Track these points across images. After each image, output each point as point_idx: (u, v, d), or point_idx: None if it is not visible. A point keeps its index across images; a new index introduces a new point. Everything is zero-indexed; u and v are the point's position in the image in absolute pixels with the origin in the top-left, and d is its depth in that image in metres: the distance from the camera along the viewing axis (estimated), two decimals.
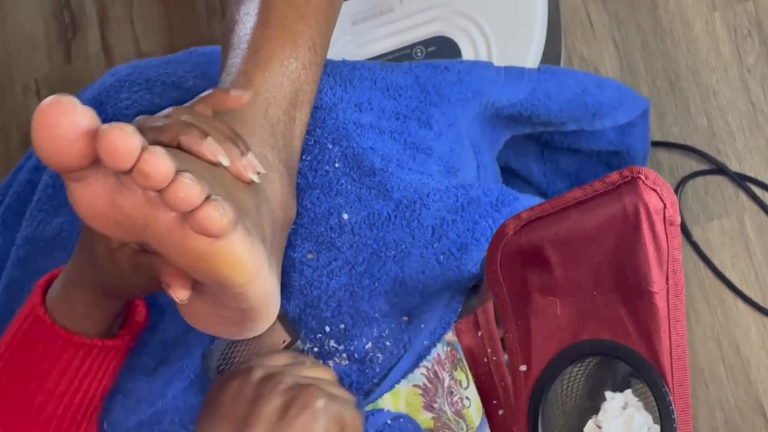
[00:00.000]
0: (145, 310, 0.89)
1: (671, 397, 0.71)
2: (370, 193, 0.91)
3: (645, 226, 0.71)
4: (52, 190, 1.01)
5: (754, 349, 1.34)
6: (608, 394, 0.74)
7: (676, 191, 1.41)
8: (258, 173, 0.73)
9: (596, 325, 0.74)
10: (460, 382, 0.98)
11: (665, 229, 0.71)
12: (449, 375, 0.96)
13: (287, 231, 0.85)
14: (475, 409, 0.99)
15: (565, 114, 1.14)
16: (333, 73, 0.95)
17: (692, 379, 1.36)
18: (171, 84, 1.00)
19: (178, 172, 0.61)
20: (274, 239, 0.78)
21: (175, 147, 0.68)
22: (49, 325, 0.81)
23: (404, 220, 0.91)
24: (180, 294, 0.70)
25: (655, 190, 0.71)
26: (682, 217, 1.34)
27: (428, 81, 0.99)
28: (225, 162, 0.69)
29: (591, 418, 0.75)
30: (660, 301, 0.71)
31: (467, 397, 0.98)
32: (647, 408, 0.73)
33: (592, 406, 0.76)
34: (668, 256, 0.71)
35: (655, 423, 0.73)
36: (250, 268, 0.67)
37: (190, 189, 0.61)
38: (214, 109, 0.76)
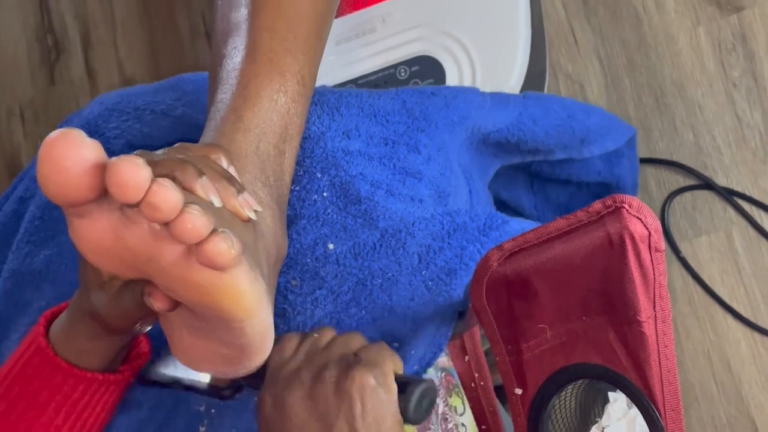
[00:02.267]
0: (148, 346, 0.88)
1: (663, 423, 0.71)
2: (356, 223, 0.91)
3: (631, 255, 0.71)
4: (40, 221, 1.00)
5: (745, 365, 1.34)
6: (611, 394, 0.75)
7: (663, 207, 1.41)
8: (255, 210, 0.72)
9: (587, 349, 0.74)
10: (455, 408, 0.97)
11: (651, 256, 0.71)
12: (443, 401, 0.95)
13: (279, 267, 0.85)
14: None
15: (552, 140, 1.14)
16: (320, 102, 0.95)
17: (684, 396, 1.30)
18: (160, 112, 1.00)
19: (185, 204, 0.60)
20: (270, 276, 0.78)
21: None
22: (51, 356, 0.80)
23: (390, 249, 0.90)
24: (162, 304, 0.69)
25: (639, 218, 0.71)
26: (670, 233, 1.38)
27: (415, 106, 0.99)
28: (216, 203, 0.68)
29: (594, 424, 0.76)
30: (648, 329, 0.71)
31: (463, 424, 0.96)
32: None
33: (595, 413, 0.76)
34: (655, 282, 0.71)
35: None
36: (252, 302, 0.66)
37: (198, 221, 0.60)
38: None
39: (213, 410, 0.90)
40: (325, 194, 0.91)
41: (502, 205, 1.29)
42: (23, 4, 1.83)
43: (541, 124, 1.11)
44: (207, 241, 0.61)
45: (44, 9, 1.82)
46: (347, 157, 0.92)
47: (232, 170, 0.76)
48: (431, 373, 0.94)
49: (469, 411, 0.98)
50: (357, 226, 0.90)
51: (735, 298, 1.37)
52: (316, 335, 0.82)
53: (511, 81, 1.26)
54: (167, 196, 0.59)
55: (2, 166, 1.77)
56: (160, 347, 0.87)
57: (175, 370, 0.85)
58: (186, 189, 0.67)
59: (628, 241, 0.71)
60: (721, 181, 1.40)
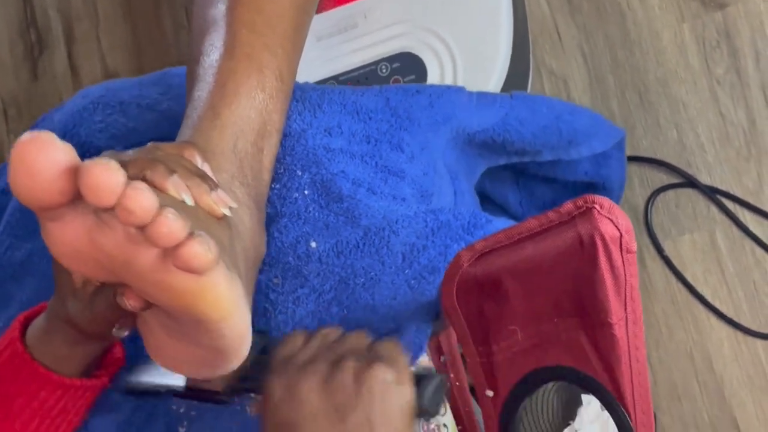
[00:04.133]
0: (121, 352, 0.87)
1: (633, 425, 0.71)
2: (338, 221, 0.90)
3: (602, 257, 0.70)
4: (20, 214, 0.99)
5: (728, 365, 1.34)
6: (584, 397, 0.74)
7: (646, 205, 1.40)
8: (230, 207, 0.71)
9: (559, 351, 0.74)
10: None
11: (622, 257, 0.70)
12: None
13: (257, 268, 0.84)
14: None
15: (539, 141, 1.13)
16: (302, 98, 0.93)
17: (665, 395, 1.35)
18: (145, 107, 0.99)
19: (161, 207, 0.59)
20: (247, 276, 0.77)
21: None
22: (28, 361, 0.79)
23: (373, 248, 0.89)
24: (136, 302, 0.68)
25: (610, 219, 0.70)
26: (653, 232, 1.38)
27: (399, 104, 0.98)
28: (189, 201, 0.67)
29: (567, 427, 0.75)
30: (619, 331, 0.71)
31: (444, 424, 0.96)
32: None
33: (568, 415, 0.76)
34: (626, 284, 0.70)
35: None
36: (230, 305, 0.65)
37: (174, 224, 0.59)
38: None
39: (193, 412, 0.89)
40: (306, 192, 0.90)
41: (486, 201, 1.29)
42: None
43: (528, 125, 1.10)
44: (183, 245, 0.60)
45: (27, 3, 1.81)
46: (329, 154, 0.91)
47: (206, 168, 0.75)
48: None
49: (450, 412, 0.97)
50: (339, 224, 0.90)
51: (718, 297, 1.37)
52: (324, 332, 0.82)
53: (494, 78, 1.25)
54: (142, 199, 0.58)
55: None
56: (136, 354, 0.86)
57: (149, 376, 0.84)
58: (157, 188, 0.66)
59: (599, 242, 0.70)
60: (704, 179, 1.40)
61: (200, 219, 0.68)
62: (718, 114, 1.40)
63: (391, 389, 0.74)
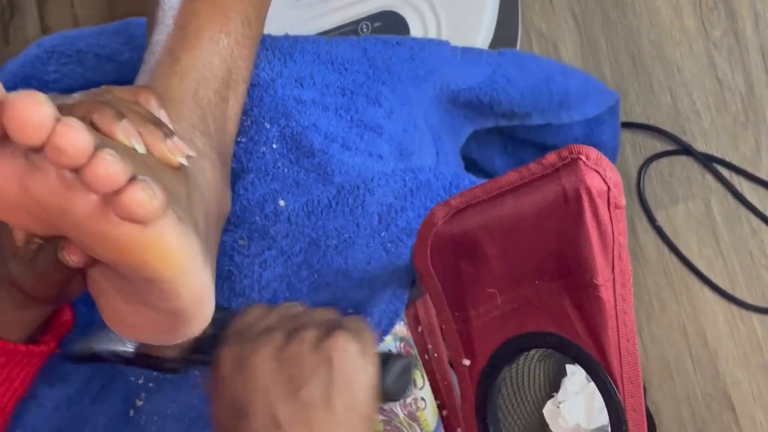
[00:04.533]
0: (70, 314, 0.84)
1: (620, 397, 0.68)
2: (309, 177, 0.87)
3: (588, 212, 0.67)
4: None
5: (722, 340, 1.34)
6: (569, 367, 0.72)
7: (639, 173, 1.40)
8: (187, 156, 0.68)
9: (540, 316, 0.71)
10: (415, 381, 0.94)
11: (610, 213, 0.67)
12: None
13: (221, 226, 0.80)
14: (431, 411, 0.95)
15: (528, 103, 1.10)
16: (272, 46, 0.90)
17: (657, 372, 1.35)
18: (104, 57, 0.95)
19: (97, 147, 0.55)
20: (208, 233, 0.73)
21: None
22: None
23: (347, 207, 0.87)
24: (77, 257, 0.65)
25: (597, 171, 0.67)
26: (645, 201, 1.38)
27: (378, 56, 0.95)
28: (140, 149, 0.64)
29: (549, 399, 0.73)
30: (606, 293, 0.67)
31: (422, 398, 0.94)
32: None
33: (550, 386, 0.74)
34: (613, 242, 0.67)
35: None
36: (182, 259, 0.61)
37: (112, 167, 0.55)
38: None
39: (151, 384, 0.87)
40: (274, 146, 0.87)
41: (473, 167, 1.27)
42: None
43: (516, 84, 1.08)
44: (124, 191, 0.56)
45: None
46: (299, 106, 0.88)
47: (162, 115, 0.72)
48: (389, 342, 0.92)
49: (428, 385, 0.95)
50: (310, 181, 0.87)
51: (712, 269, 1.35)
52: (287, 305, 0.78)
53: (479, 41, 1.24)
54: (75, 137, 0.54)
55: None
56: (91, 318, 0.82)
57: (97, 341, 0.79)
58: (104, 134, 0.63)
59: (584, 197, 0.66)
60: (699, 146, 1.38)
61: (152, 168, 0.64)
62: (715, 78, 1.39)
63: (353, 362, 0.70)
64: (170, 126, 0.70)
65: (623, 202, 0.66)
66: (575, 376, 0.72)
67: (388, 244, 0.87)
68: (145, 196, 0.56)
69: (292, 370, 0.69)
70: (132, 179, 0.55)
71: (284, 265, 0.86)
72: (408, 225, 0.87)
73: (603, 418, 0.74)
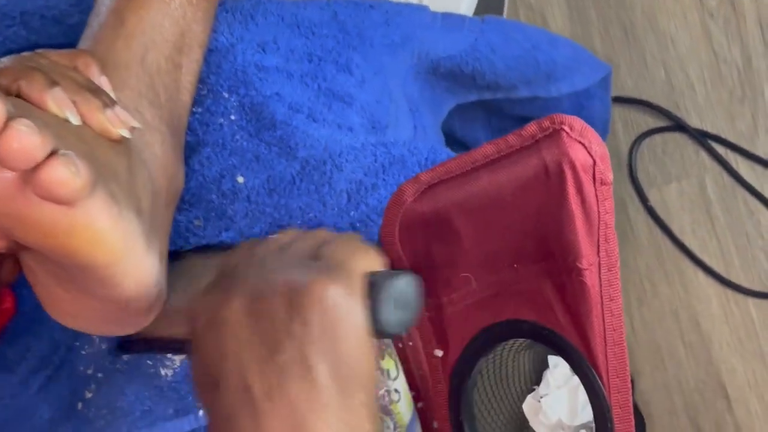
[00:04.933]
0: (12, 301, 0.81)
1: (606, 391, 0.64)
2: (271, 152, 0.83)
3: (571, 188, 0.63)
4: None
5: (716, 325, 1.33)
6: (551, 358, 0.68)
7: (630, 150, 1.39)
8: (131, 128, 0.64)
9: (519, 303, 0.66)
10: (388, 371, 0.91)
11: (595, 189, 0.63)
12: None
13: (174, 205, 0.77)
14: (405, 404, 0.92)
15: (513, 74, 1.07)
16: (232, 8, 0.87)
17: (648, 358, 1.34)
18: (51, 18, 0.90)
19: (11, 117, 0.51)
20: (156, 214, 0.69)
21: (15, 96, 0.59)
22: None
23: (312, 185, 0.83)
24: None
25: (581, 143, 0.62)
26: (637, 180, 1.37)
27: (349, 19, 0.92)
28: (74, 119, 0.59)
29: (530, 393, 0.70)
30: (590, 278, 0.62)
31: (396, 390, 0.91)
32: None
33: (530, 380, 0.71)
34: (599, 222, 0.62)
35: None
36: (116, 244, 0.57)
37: (27, 139, 0.50)
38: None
39: (100, 374, 0.83)
40: (232, 117, 0.83)
41: (456, 144, 1.24)
42: None
43: (501, 54, 1.04)
44: (42, 167, 0.51)
45: None
46: (261, 73, 0.84)
47: (103, 82, 0.67)
48: None
49: (402, 375, 0.89)
50: (272, 156, 0.83)
51: (706, 251, 1.35)
52: (274, 236, 0.68)
53: (462, 7, 1.20)
54: None
55: None
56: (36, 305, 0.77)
57: None
58: (34, 103, 0.58)
59: (567, 171, 0.61)
60: (694, 122, 1.37)
61: (86, 142, 0.60)
62: (711, 51, 1.38)
63: (333, 308, 0.59)
64: (112, 95, 0.66)
65: (610, 177, 0.62)
66: (558, 368, 0.68)
67: (358, 224, 0.83)
68: (66, 173, 0.51)
69: (265, 327, 0.59)
70: (52, 154, 0.51)
71: None
72: (380, 204, 0.83)
73: (587, 414, 0.70)
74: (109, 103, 0.63)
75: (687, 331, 1.32)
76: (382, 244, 0.71)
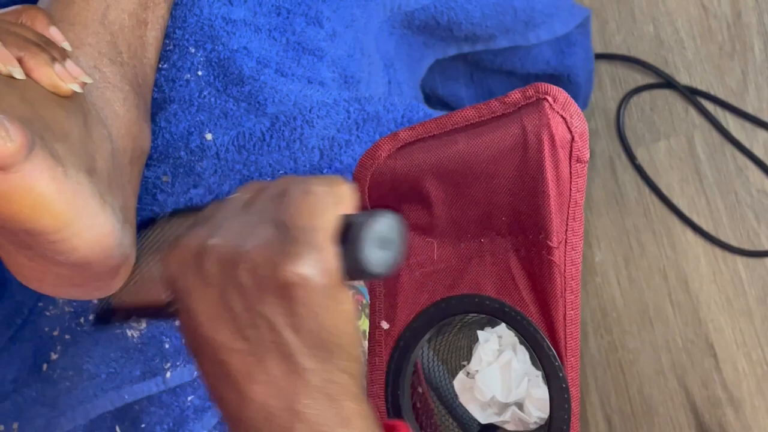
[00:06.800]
0: None
1: (565, 373, 0.63)
2: (239, 108, 0.82)
3: (548, 162, 0.63)
4: None
5: (704, 284, 1.31)
6: (481, 333, 0.65)
7: (618, 108, 1.37)
8: (82, 83, 0.63)
9: (480, 276, 0.65)
10: (365, 332, 0.86)
11: (570, 166, 0.62)
12: None
13: (141, 165, 0.75)
14: None
15: (491, 22, 1.04)
16: None
17: (635, 318, 1.33)
18: None
19: None
20: (116, 173, 0.67)
21: None
22: None
23: (282, 141, 0.81)
24: None
25: (563, 117, 0.62)
26: (625, 137, 1.35)
27: None
28: (18, 74, 0.58)
29: (461, 369, 0.67)
30: (559, 257, 0.62)
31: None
32: (523, 344, 0.66)
33: (461, 356, 0.69)
34: (570, 199, 0.61)
35: (535, 368, 0.66)
36: (61, 206, 0.56)
37: None
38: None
39: (67, 336, 0.81)
40: (199, 73, 0.82)
41: (438, 103, 1.23)
42: None
43: (476, 1, 1.01)
44: None
45: None
46: (228, 26, 0.82)
47: (54, 32, 0.65)
48: None
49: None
50: (240, 112, 0.82)
51: (695, 209, 1.33)
52: (238, 195, 0.62)
53: None
54: None
55: None
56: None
57: None
58: None
59: (546, 143, 0.60)
60: (683, 79, 1.36)
61: (30, 101, 0.58)
62: (700, 5, 1.35)
63: (304, 290, 0.54)
64: (65, 45, 0.65)
65: (587, 156, 0.61)
66: (488, 343, 0.64)
67: None
68: None
69: (233, 300, 0.55)
70: None
71: None
72: (354, 161, 0.81)
73: (521, 391, 0.65)
74: (59, 57, 0.61)
75: (675, 291, 1.31)
76: None
